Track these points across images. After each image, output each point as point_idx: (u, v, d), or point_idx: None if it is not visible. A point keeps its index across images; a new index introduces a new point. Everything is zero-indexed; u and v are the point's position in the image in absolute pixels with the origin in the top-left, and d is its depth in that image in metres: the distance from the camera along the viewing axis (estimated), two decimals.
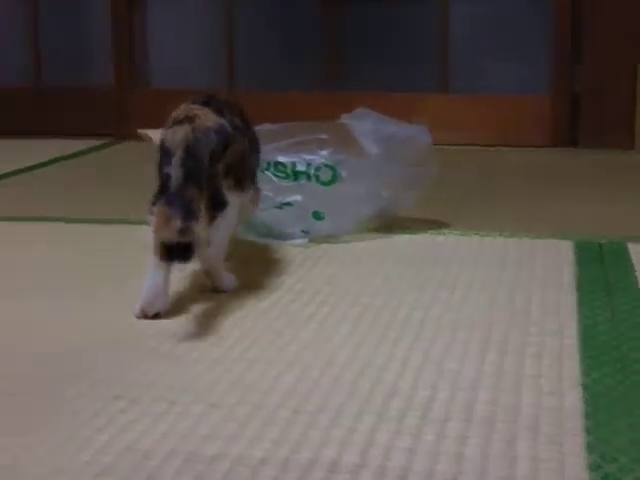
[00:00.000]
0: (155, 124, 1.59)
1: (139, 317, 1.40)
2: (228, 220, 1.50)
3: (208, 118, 1.48)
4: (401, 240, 1.85)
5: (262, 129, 1.94)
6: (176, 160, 1.40)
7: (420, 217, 1.97)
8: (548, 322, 1.36)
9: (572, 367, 1.18)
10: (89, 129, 3.36)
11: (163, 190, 1.39)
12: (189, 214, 1.34)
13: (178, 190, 1.37)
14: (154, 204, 1.39)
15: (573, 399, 1.08)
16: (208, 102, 1.53)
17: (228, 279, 1.54)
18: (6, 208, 2.20)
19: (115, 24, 3.41)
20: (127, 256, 1.74)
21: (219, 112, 1.51)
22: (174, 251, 1.34)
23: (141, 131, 1.76)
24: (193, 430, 1.01)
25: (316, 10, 3.28)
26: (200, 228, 1.38)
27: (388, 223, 1.91)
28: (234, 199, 1.52)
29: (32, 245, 1.86)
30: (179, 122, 1.45)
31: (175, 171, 1.39)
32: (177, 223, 1.33)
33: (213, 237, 1.47)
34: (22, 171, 2.71)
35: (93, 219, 2.04)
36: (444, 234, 1.89)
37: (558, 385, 1.12)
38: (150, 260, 1.40)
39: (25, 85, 3.52)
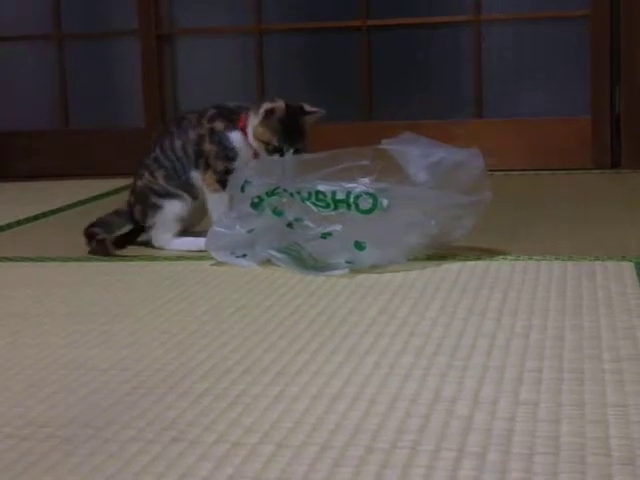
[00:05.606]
0: None
1: None
2: None
3: None
4: (453, 267, 1.77)
5: (304, 158, 1.89)
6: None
7: (469, 245, 1.89)
8: (622, 347, 1.28)
9: None
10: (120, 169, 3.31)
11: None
12: None
13: None
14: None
15: None
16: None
17: None
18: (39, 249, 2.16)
19: (145, 63, 3.38)
20: (167, 292, 1.68)
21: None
22: None
23: None
24: (262, 473, 0.94)
25: (348, 38, 3.24)
26: None
27: (438, 252, 1.84)
28: None
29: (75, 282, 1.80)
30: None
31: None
32: None
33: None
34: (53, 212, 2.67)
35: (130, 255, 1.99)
36: (498, 260, 1.81)
37: None
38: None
39: (56, 127, 3.49)
